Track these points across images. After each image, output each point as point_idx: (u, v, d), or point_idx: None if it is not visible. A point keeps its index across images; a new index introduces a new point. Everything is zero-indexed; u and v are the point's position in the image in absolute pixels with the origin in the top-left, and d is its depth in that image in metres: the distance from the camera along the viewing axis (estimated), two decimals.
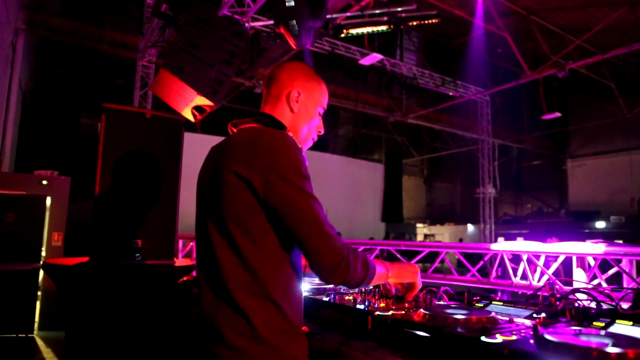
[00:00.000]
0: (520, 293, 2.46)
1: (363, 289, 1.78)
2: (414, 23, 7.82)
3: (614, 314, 1.23)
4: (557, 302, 1.37)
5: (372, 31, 7.95)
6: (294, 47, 4.69)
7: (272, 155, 1.16)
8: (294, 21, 4.24)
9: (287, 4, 4.17)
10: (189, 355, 1.26)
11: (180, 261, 3.18)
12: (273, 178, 1.14)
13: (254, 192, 1.15)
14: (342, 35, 7.70)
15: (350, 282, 1.20)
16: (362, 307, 1.48)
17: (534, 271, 2.43)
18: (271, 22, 7.80)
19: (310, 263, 1.16)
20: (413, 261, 3.06)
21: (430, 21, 8.04)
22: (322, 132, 1.47)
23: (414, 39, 14.85)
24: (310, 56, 9.32)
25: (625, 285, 2.14)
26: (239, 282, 1.15)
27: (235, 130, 1.37)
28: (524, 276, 2.46)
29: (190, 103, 3.89)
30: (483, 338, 1.04)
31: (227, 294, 1.15)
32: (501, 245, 2.59)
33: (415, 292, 1.49)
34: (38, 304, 5.80)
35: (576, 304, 1.32)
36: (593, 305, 1.38)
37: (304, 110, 1.40)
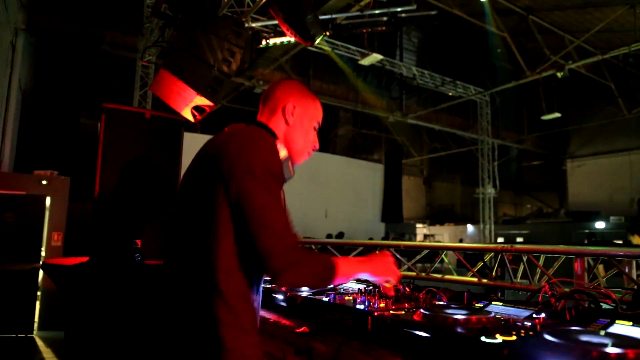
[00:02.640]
0: (520, 293, 2.46)
1: (363, 289, 1.78)
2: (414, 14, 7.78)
3: (614, 315, 1.23)
4: (557, 303, 1.37)
5: (372, 31, 7.95)
6: (305, 44, 4.74)
7: (244, 148, 1.19)
8: (291, 27, 4.33)
9: (277, 16, 4.31)
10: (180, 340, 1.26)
11: None
12: (239, 169, 1.15)
13: (222, 181, 1.15)
14: (342, 35, 7.69)
15: (302, 286, 1.21)
16: (362, 307, 1.48)
17: (533, 271, 2.44)
18: (271, 22, 7.80)
19: (261, 262, 1.14)
20: (412, 261, 3.06)
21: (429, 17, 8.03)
22: (317, 147, 1.49)
23: (413, 39, 14.85)
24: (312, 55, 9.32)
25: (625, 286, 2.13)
26: (196, 274, 1.17)
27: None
28: (524, 276, 2.47)
29: (190, 103, 3.89)
30: (483, 338, 1.04)
31: (184, 285, 1.18)
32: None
33: (395, 283, 1.48)
34: (38, 304, 5.80)
35: (576, 304, 1.32)
36: (593, 305, 1.38)
37: (299, 123, 1.42)
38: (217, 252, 1.15)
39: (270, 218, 1.14)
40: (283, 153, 1.28)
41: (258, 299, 1.27)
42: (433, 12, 8.54)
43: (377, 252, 1.54)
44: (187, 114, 4.01)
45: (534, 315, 1.29)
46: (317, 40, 4.64)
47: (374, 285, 1.77)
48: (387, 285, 1.48)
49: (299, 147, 1.43)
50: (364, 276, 1.39)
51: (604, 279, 2.27)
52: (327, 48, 10.03)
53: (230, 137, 1.25)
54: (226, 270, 1.16)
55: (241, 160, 1.16)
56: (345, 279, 1.31)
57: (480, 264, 2.74)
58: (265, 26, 8.16)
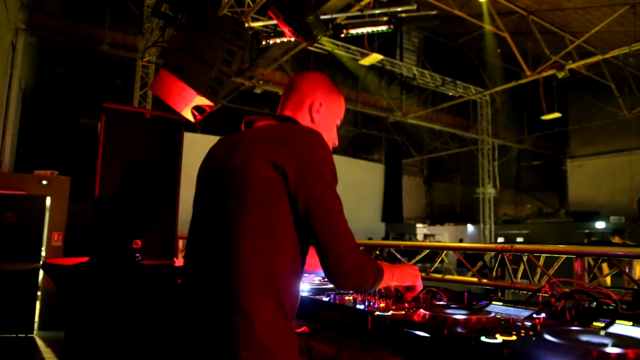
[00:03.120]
0: (520, 293, 2.46)
1: None
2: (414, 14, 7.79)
3: (614, 314, 1.23)
4: (557, 303, 1.37)
5: (372, 31, 7.95)
6: (307, 43, 4.75)
7: (311, 150, 1.15)
8: (292, 28, 4.34)
9: (277, 18, 4.30)
10: (180, 353, 1.21)
11: (180, 261, 3.18)
12: (309, 172, 1.12)
13: (287, 183, 1.11)
14: (342, 35, 7.70)
15: (361, 289, 1.20)
16: (362, 307, 1.48)
17: (533, 271, 2.44)
18: (271, 22, 7.80)
19: (325, 265, 1.12)
20: (413, 261, 3.06)
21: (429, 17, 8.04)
22: (337, 144, 1.47)
23: (414, 39, 14.86)
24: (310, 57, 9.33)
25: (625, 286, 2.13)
26: (247, 279, 1.08)
27: (256, 125, 1.33)
28: (524, 276, 2.47)
29: (190, 103, 3.89)
30: (483, 338, 1.04)
31: (233, 292, 1.08)
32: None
33: (415, 293, 1.50)
34: (38, 304, 5.80)
35: (576, 304, 1.32)
36: (593, 305, 1.38)
37: (324, 121, 1.40)
38: (280, 260, 1.12)
39: (341, 222, 1.13)
40: None
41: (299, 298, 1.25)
42: (433, 12, 8.53)
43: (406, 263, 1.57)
44: (188, 114, 4.01)
45: (534, 315, 1.29)
46: (318, 39, 4.64)
47: None
48: (409, 293, 1.51)
49: None
50: (393, 283, 1.40)
51: (608, 277, 2.27)
52: (330, 47, 10.03)
53: (289, 137, 1.17)
54: (287, 276, 1.13)
55: (310, 164, 1.13)
56: (387, 283, 1.33)
57: (480, 264, 2.75)
58: (265, 26, 8.16)
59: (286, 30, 4.59)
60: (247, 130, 1.29)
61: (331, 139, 1.44)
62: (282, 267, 1.12)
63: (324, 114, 1.39)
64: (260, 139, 1.19)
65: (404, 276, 1.43)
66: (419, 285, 1.48)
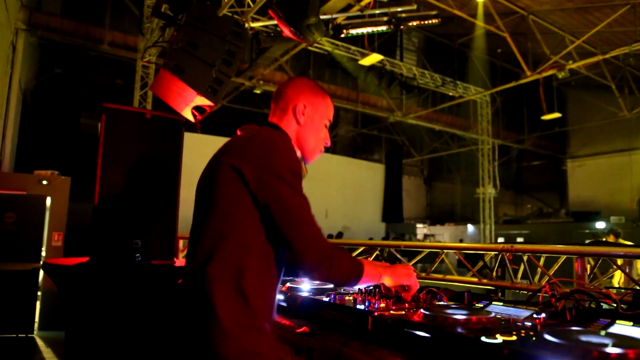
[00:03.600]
0: (520, 293, 2.46)
1: (363, 289, 1.77)
2: (414, 23, 7.81)
3: (614, 315, 1.23)
4: (558, 303, 1.37)
5: (373, 31, 7.95)
6: (306, 43, 4.75)
7: (266, 151, 1.21)
8: (292, 28, 4.32)
9: (278, 17, 4.28)
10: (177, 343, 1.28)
11: (180, 261, 3.18)
12: (265, 172, 1.18)
13: (245, 184, 1.18)
14: (342, 35, 7.70)
15: (333, 280, 1.24)
16: (362, 307, 1.48)
17: (534, 271, 2.44)
18: (271, 22, 7.81)
19: (295, 259, 1.18)
20: (413, 261, 3.06)
21: (430, 21, 8.04)
22: (329, 144, 1.51)
23: (414, 39, 14.86)
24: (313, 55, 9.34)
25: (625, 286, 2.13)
26: (216, 274, 1.17)
27: (240, 133, 1.42)
28: (525, 276, 2.47)
29: (190, 103, 3.89)
30: (483, 338, 1.04)
31: (202, 286, 1.17)
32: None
33: (412, 293, 1.50)
34: (38, 304, 5.80)
35: (576, 304, 1.32)
36: (593, 305, 1.38)
37: (310, 122, 1.44)
38: (248, 258, 1.19)
39: (303, 216, 1.18)
40: (297, 153, 1.32)
41: (275, 296, 1.31)
42: (433, 12, 8.53)
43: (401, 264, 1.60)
44: (188, 114, 4.01)
45: (534, 316, 1.29)
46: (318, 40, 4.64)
47: (375, 285, 1.77)
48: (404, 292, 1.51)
49: (310, 145, 1.46)
50: (385, 280, 1.42)
51: (604, 279, 2.26)
52: (330, 47, 10.03)
53: (248, 141, 1.27)
54: (255, 273, 1.19)
55: (266, 164, 1.19)
56: (371, 281, 1.35)
57: (481, 264, 2.75)
58: (266, 26, 8.16)
59: (287, 30, 4.58)
60: (229, 140, 1.37)
61: (321, 138, 1.48)
62: (248, 264, 1.18)
63: (310, 115, 1.44)
64: (228, 146, 1.30)
65: (396, 275, 1.44)
66: (415, 285, 1.49)
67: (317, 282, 2.11)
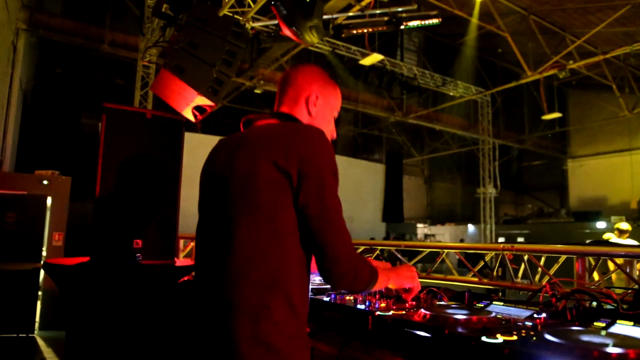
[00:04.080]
0: (521, 293, 2.46)
1: None
2: (415, 23, 7.81)
3: (615, 314, 1.23)
4: (558, 302, 1.37)
5: (373, 30, 7.95)
6: (304, 44, 4.73)
7: (312, 148, 1.14)
8: (294, 27, 4.30)
9: (281, 14, 4.24)
10: (189, 356, 1.21)
11: (180, 261, 3.18)
12: (309, 171, 1.12)
13: (290, 183, 1.11)
14: (343, 35, 7.70)
15: (354, 290, 1.21)
16: (362, 307, 1.48)
17: (534, 271, 2.44)
18: (271, 22, 7.81)
19: (320, 265, 1.13)
20: (413, 261, 3.06)
21: (430, 21, 8.03)
22: (335, 136, 1.46)
23: (414, 39, 14.86)
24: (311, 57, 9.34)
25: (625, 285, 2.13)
26: (256, 280, 1.08)
27: (255, 125, 1.32)
28: (525, 276, 2.47)
29: (190, 103, 3.89)
30: (484, 338, 1.03)
31: (241, 294, 1.08)
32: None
33: (413, 294, 1.50)
34: (39, 303, 5.80)
35: (576, 304, 1.32)
36: (594, 305, 1.38)
37: (321, 114, 1.39)
38: (286, 259, 1.12)
39: (339, 222, 1.14)
40: None
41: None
42: (433, 12, 8.53)
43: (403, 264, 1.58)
44: (188, 114, 4.01)
45: (535, 315, 1.29)
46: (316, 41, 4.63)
47: None
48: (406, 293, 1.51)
49: None
50: (390, 285, 1.40)
51: (605, 279, 2.26)
52: (330, 47, 10.02)
53: (289, 135, 1.17)
54: (293, 272, 1.13)
55: (312, 162, 1.12)
56: (382, 285, 1.32)
57: (481, 264, 2.75)
58: (266, 26, 8.16)
59: (286, 30, 4.58)
60: (248, 131, 1.28)
61: (329, 131, 1.43)
62: (290, 269, 1.12)
63: (321, 107, 1.38)
64: (263, 140, 1.19)
65: (400, 279, 1.42)
66: (417, 287, 1.49)
67: (318, 281, 2.11)
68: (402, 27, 7.57)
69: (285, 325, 1.09)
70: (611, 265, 4.06)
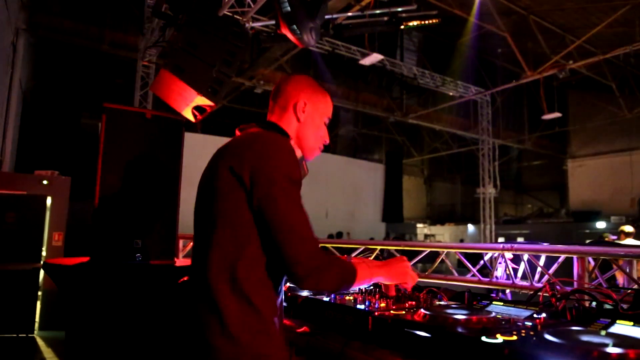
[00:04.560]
0: (520, 293, 2.47)
1: (364, 289, 1.78)
2: (415, 23, 7.81)
3: (615, 314, 1.23)
4: (558, 303, 1.37)
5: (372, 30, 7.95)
6: (300, 46, 4.70)
7: (264, 156, 1.20)
8: (294, 26, 4.27)
9: (283, 10, 4.19)
10: (180, 347, 1.28)
11: (180, 261, 3.18)
12: (261, 177, 1.17)
13: (244, 189, 1.18)
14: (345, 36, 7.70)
15: (323, 289, 1.23)
16: (362, 307, 1.48)
17: (534, 271, 2.44)
18: (271, 22, 7.80)
19: (284, 267, 1.17)
20: (413, 261, 3.06)
21: (430, 21, 8.04)
22: (327, 142, 1.51)
23: (414, 39, 14.85)
24: (321, 57, 9.34)
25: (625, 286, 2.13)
26: (219, 279, 1.17)
27: (240, 134, 1.41)
28: (525, 276, 2.47)
29: (190, 103, 3.89)
30: (484, 338, 1.04)
31: (207, 291, 1.18)
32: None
33: (412, 284, 1.46)
34: (38, 303, 5.80)
35: (576, 304, 1.32)
36: (594, 305, 1.38)
37: (310, 120, 1.43)
38: (242, 260, 1.18)
39: (293, 225, 1.16)
40: (298, 153, 1.29)
41: (281, 303, 1.30)
42: (433, 12, 8.54)
43: (395, 257, 1.54)
44: (188, 114, 4.02)
45: (535, 315, 1.29)
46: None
47: (375, 285, 1.77)
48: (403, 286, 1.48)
49: (310, 144, 1.44)
50: (380, 280, 1.39)
51: (604, 279, 2.26)
52: (330, 47, 10.03)
53: (247, 143, 1.25)
54: (253, 276, 1.19)
55: (262, 169, 1.17)
56: (365, 283, 1.32)
57: (481, 264, 2.75)
58: (266, 26, 8.16)
59: (285, 29, 4.57)
60: (231, 140, 1.36)
61: (320, 137, 1.47)
62: (248, 268, 1.18)
63: (310, 113, 1.43)
64: (229, 148, 1.28)
65: (392, 275, 1.40)
66: (412, 278, 1.44)
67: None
68: (402, 27, 7.57)
69: (247, 320, 1.16)
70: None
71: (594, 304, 1.40)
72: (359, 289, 1.81)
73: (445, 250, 2.97)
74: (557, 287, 1.60)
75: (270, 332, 1.20)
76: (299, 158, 1.29)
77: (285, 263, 1.15)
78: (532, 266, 2.44)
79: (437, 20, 8.08)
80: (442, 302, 1.59)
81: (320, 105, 1.46)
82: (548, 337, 1.02)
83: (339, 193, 15.04)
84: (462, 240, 18.88)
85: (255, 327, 1.17)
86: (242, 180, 1.17)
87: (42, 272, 5.82)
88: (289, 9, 4.20)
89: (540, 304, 1.44)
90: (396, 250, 3.25)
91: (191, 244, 4.94)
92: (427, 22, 7.93)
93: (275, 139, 1.26)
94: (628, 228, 6.56)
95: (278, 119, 1.43)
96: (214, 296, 1.16)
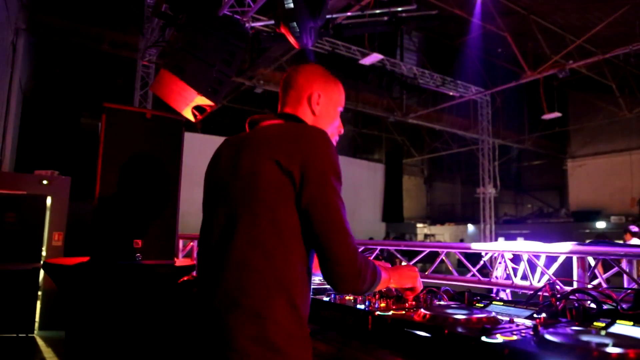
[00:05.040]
0: (520, 293, 2.47)
1: None
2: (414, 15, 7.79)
3: (615, 314, 1.23)
4: (558, 302, 1.37)
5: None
6: (296, 46, 4.69)
7: (315, 149, 1.14)
8: (294, 23, 4.25)
9: (286, 5, 4.18)
10: (192, 357, 1.21)
11: (180, 261, 3.18)
12: (312, 172, 1.11)
13: (293, 184, 1.12)
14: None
15: (357, 292, 1.19)
16: (362, 307, 1.48)
17: (534, 271, 2.44)
18: (271, 22, 7.80)
19: (324, 267, 1.12)
20: (413, 261, 3.06)
21: (430, 21, 8.04)
22: (342, 131, 1.47)
23: (414, 39, 14.84)
24: (313, 55, 9.33)
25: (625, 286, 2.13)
26: (258, 279, 1.09)
27: (260, 125, 1.32)
28: (524, 276, 2.47)
29: (190, 103, 3.89)
30: (483, 338, 1.04)
31: (243, 293, 1.09)
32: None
33: (415, 294, 1.48)
34: (38, 303, 5.80)
35: (576, 304, 1.32)
36: (593, 305, 1.38)
37: (325, 112, 1.38)
38: (287, 258, 1.12)
39: (342, 224, 1.12)
40: None
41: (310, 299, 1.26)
42: (433, 12, 8.54)
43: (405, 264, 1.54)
44: (188, 113, 4.02)
45: (535, 315, 1.29)
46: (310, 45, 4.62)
47: None
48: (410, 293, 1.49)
49: None
50: (392, 285, 1.38)
51: (604, 279, 2.26)
52: (330, 47, 10.02)
53: (292, 136, 1.17)
54: (296, 272, 1.13)
55: (314, 165, 1.12)
56: (383, 287, 1.30)
57: (481, 264, 2.75)
58: (266, 26, 8.16)
59: (284, 29, 4.57)
60: (252, 132, 1.29)
61: (336, 127, 1.43)
62: (292, 269, 1.12)
63: (324, 104, 1.38)
64: (267, 141, 1.19)
65: (402, 279, 1.40)
66: (419, 287, 1.47)
67: (318, 281, 2.11)
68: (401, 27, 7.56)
69: (286, 324, 1.09)
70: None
71: (594, 304, 1.40)
72: None
73: (446, 250, 2.97)
74: (557, 287, 1.60)
75: (305, 337, 1.14)
76: None
77: (326, 264, 1.10)
78: (532, 266, 2.44)
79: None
80: (442, 302, 1.59)
81: (334, 95, 1.41)
82: (548, 337, 1.02)
83: None
84: (462, 240, 18.88)
85: (294, 333, 1.10)
86: (292, 175, 1.11)
87: (42, 272, 5.82)
88: (292, 5, 4.18)
89: (540, 304, 1.44)
90: (396, 250, 3.25)
91: (191, 243, 4.94)
92: (427, 22, 7.91)
93: (320, 133, 1.19)
94: (634, 228, 6.60)
95: (294, 111, 1.36)
96: (251, 300, 1.08)
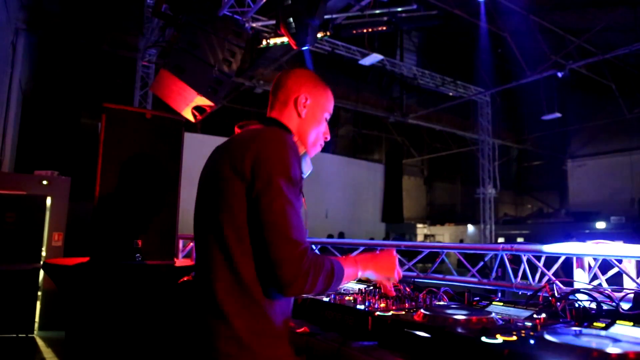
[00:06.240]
0: (520, 293, 2.46)
1: (364, 289, 1.78)
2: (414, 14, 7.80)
3: (615, 315, 1.23)
4: (558, 303, 1.37)
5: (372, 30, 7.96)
6: (294, 47, 4.70)
7: (264, 151, 1.15)
8: (291, 19, 4.26)
9: (285, 1, 4.20)
10: (186, 353, 1.25)
11: (180, 261, 3.18)
12: (259, 173, 1.13)
13: (246, 187, 1.13)
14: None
15: (306, 294, 1.19)
16: (362, 307, 1.48)
17: (533, 271, 2.44)
18: (271, 22, 7.80)
19: (266, 271, 1.11)
20: (413, 262, 3.06)
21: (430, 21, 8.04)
22: (329, 137, 1.47)
23: (414, 39, 14.85)
24: (311, 58, 9.34)
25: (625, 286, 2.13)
26: (224, 283, 1.14)
27: (240, 131, 1.37)
28: (525, 276, 2.47)
29: (190, 103, 3.89)
30: (483, 338, 1.03)
31: (213, 296, 1.14)
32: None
33: (394, 283, 1.44)
34: (38, 304, 5.80)
35: (576, 305, 1.32)
36: (593, 305, 1.38)
37: (311, 115, 1.40)
38: (248, 262, 1.13)
39: (284, 227, 1.09)
40: (300, 149, 1.26)
41: (289, 300, 1.25)
42: (433, 12, 8.54)
43: (381, 250, 1.49)
44: (188, 114, 4.02)
45: (535, 316, 1.29)
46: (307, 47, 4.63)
47: (374, 286, 1.77)
48: (387, 284, 1.44)
49: (312, 139, 1.41)
50: (367, 274, 1.35)
51: (604, 280, 2.26)
52: (330, 47, 10.03)
53: (248, 140, 1.20)
54: (257, 275, 1.14)
55: (263, 166, 1.13)
56: (352, 279, 1.29)
57: (481, 264, 2.75)
58: (266, 26, 8.16)
59: (284, 29, 4.57)
60: (231, 137, 1.33)
61: (322, 132, 1.44)
62: (252, 268, 1.14)
63: (311, 107, 1.39)
64: (230, 146, 1.24)
65: (379, 270, 1.36)
66: (397, 277, 1.41)
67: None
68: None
69: (253, 323, 1.13)
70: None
71: (594, 304, 1.40)
72: (359, 289, 1.82)
73: (445, 250, 2.97)
74: (557, 287, 1.60)
75: (279, 335, 1.16)
76: (301, 154, 1.26)
77: (268, 266, 1.09)
78: (532, 266, 2.44)
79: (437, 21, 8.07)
80: (441, 302, 1.59)
81: (321, 100, 1.42)
82: (548, 337, 1.02)
83: (339, 193, 15.03)
84: (462, 241, 18.88)
85: (265, 330, 1.13)
86: (244, 177, 1.13)
87: (42, 272, 5.82)
88: (289, 1, 4.20)
89: (540, 304, 1.44)
90: (396, 250, 3.24)
91: (191, 244, 4.94)
92: (426, 22, 7.91)
93: (277, 135, 1.20)
94: None
95: (279, 114, 1.39)
96: (219, 300, 1.12)
